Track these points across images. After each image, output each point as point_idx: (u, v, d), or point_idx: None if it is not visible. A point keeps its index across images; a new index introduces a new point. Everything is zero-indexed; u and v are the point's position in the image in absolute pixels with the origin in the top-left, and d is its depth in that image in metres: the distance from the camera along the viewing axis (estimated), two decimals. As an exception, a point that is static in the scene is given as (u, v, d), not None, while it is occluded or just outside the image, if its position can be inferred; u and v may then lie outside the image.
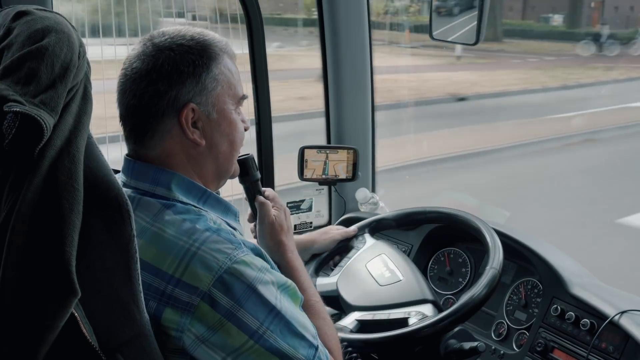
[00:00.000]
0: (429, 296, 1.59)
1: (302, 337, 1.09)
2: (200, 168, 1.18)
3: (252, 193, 1.45)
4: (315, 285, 1.44)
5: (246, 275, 1.04)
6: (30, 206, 0.80)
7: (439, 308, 1.56)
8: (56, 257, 0.80)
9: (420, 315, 1.52)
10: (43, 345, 0.79)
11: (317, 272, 1.79)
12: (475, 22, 1.78)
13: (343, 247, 1.83)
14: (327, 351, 1.15)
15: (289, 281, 1.13)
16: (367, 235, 1.84)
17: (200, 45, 1.14)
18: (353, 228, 1.87)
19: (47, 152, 0.82)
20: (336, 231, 1.85)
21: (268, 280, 1.07)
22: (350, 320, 1.55)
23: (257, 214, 1.43)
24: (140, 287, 0.93)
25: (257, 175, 1.44)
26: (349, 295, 1.63)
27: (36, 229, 0.80)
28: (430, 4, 1.97)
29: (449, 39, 2.03)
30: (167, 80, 1.10)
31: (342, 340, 1.42)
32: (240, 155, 1.30)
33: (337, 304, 1.66)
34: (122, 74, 1.14)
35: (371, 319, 1.55)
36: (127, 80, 1.12)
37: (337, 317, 1.59)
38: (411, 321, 1.50)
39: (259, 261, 1.08)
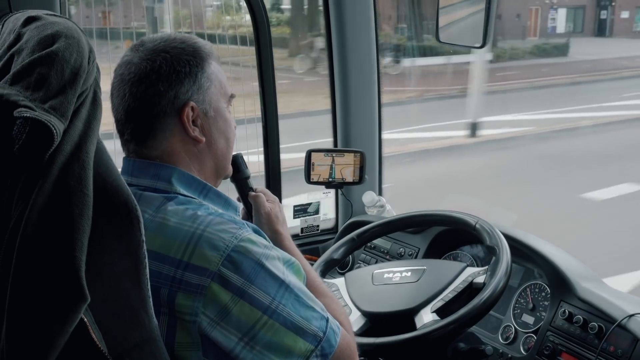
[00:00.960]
0: (462, 263, 1.65)
1: (313, 309, 1.10)
2: (200, 165, 1.21)
3: (244, 190, 1.48)
4: None
5: (253, 252, 1.06)
6: (40, 212, 0.80)
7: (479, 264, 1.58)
8: (66, 263, 0.81)
9: (481, 273, 1.56)
10: (53, 351, 0.80)
11: None
12: (482, 25, 1.78)
13: None
14: (337, 322, 1.16)
15: (293, 258, 1.16)
16: (327, 279, 1.80)
17: (191, 47, 1.18)
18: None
19: (57, 158, 0.82)
20: None
21: (274, 256, 1.09)
22: (427, 317, 1.52)
23: (252, 207, 1.45)
24: (149, 292, 0.93)
25: (247, 172, 1.47)
26: (399, 306, 1.58)
27: (46, 235, 0.80)
28: (437, 7, 1.97)
29: (456, 42, 2.03)
30: (167, 81, 1.14)
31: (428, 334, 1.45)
32: None
33: (378, 330, 1.59)
34: (118, 80, 1.16)
35: (444, 302, 1.54)
36: (125, 85, 1.15)
37: (404, 331, 1.51)
38: (479, 279, 1.55)
39: (262, 239, 1.11)
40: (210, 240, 1.05)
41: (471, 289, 1.54)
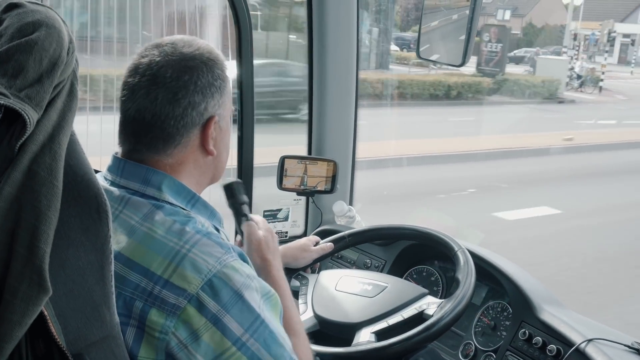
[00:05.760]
0: (423, 289, 1.64)
1: (283, 348, 1.08)
2: (201, 175, 1.21)
3: (239, 217, 1.48)
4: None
5: (234, 281, 1.04)
6: (8, 200, 0.79)
7: (438, 296, 1.59)
8: (30, 254, 0.79)
9: (433, 305, 1.56)
10: (10, 342, 0.78)
11: None
12: (463, 43, 1.80)
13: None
14: None
15: (272, 290, 1.14)
16: (303, 273, 1.84)
17: (219, 60, 1.17)
18: (329, 245, 1.87)
19: (28, 147, 0.81)
20: (313, 248, 1.86)
21: (254, 287, 1.07)
22: (365, 336, 1.53)
23: (244, 233, 1.44)
24: (113, 288, 0.93)
25: (244, 199, 1.48)
26: (345, 318, 1.60)
27: (12, 224, 0.79)
28: (420, 22, 1.99)
29: (435, 59, 2.05)
30: (201, 93, 1.13)
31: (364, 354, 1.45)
32: (229, 180, 1.35)
33: (322, 336, 1.62)
34: (147, 80, 1.12)
35: (387, 326, 1.54)
36: (159, 88, 1.11)
37: (343, 343, 1.54)
38: (430, 311, 1.54)
39: (246, 267, 1.09)
40: (193, 261, 1.03)
41: (420, 319, 1.54)
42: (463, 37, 1.78)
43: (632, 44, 37.88)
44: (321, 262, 1.96)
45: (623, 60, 35.96)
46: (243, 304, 1.04)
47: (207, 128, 1.15)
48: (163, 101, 1.11)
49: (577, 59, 24.57)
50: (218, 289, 1.02)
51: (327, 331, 1.61)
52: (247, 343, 1.03)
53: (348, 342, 1.53)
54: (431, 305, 1.56)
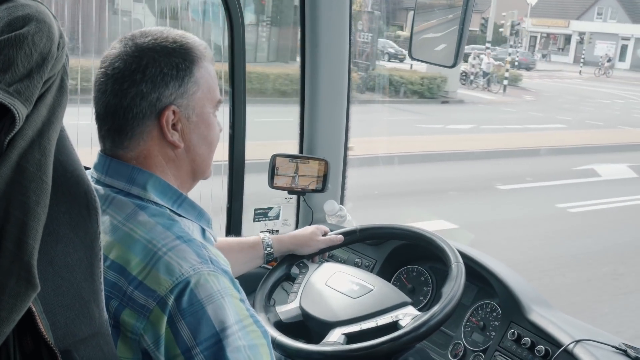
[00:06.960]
0: (407, 298, 1.62)
1: None
2: (177, 169, 1.18)
3: None
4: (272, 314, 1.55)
5: (201, 290, 1.01)
6: None
7: (419, 308, 1.59)
8: (18, 250, 0.79)
9: (409, 316, 1.54)
10: None
11: (269, 299, 1.75)
12: (455, 44, 1.80)
13: (285, 276, 1.82)
14: None
15: (256, 326, 1.07)
16: (306, 261, 1.84)
17: (183, 49, 1.14)
18: (339, 237, 1.87)
19: (17, 142, 0.80)
20: (321, 238, 1.85)
21: (225, 306, 1.03)
22: (336, 336, 1.53)
23: None
24: (102, 285, 0.92)
25: None
26: (324, 315, 1.60)
27: (0, 220, 0.79)
28: (412, 23, 1.99)
29: (427, 60, 2.05)
30: (151, 82, 1.10)
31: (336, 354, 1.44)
32: None
33: (305, 329, 1.64)
34: (101, 73, 1.13)
35: (358, 330, 1.54)
36: (108, 80, 1.11)
37: (316, 339, 1.55)
38: (404, 322, 1.52)
39: (222, 283, 1.05)
40: (168, 264, 1.02)
41: (394, 328, 1.53)
42: (455, 37, 1.78)
43: (581, 42, 37.01)
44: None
45: (579, 60, 35.13)
46: (202, 316, 1.00)
47: (162, 118, 1.12)
48: (112, 93, 1.11)
49: (517, 56, 23.35)
50: (183, 295, 1.00)
51: (308, 324, 1.63)
52: (195, 358, 0.99)
53: (319, 338, 1.54)
54: (407, 316, 1.55)
